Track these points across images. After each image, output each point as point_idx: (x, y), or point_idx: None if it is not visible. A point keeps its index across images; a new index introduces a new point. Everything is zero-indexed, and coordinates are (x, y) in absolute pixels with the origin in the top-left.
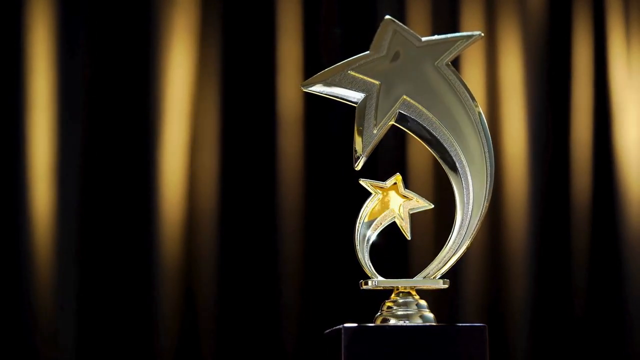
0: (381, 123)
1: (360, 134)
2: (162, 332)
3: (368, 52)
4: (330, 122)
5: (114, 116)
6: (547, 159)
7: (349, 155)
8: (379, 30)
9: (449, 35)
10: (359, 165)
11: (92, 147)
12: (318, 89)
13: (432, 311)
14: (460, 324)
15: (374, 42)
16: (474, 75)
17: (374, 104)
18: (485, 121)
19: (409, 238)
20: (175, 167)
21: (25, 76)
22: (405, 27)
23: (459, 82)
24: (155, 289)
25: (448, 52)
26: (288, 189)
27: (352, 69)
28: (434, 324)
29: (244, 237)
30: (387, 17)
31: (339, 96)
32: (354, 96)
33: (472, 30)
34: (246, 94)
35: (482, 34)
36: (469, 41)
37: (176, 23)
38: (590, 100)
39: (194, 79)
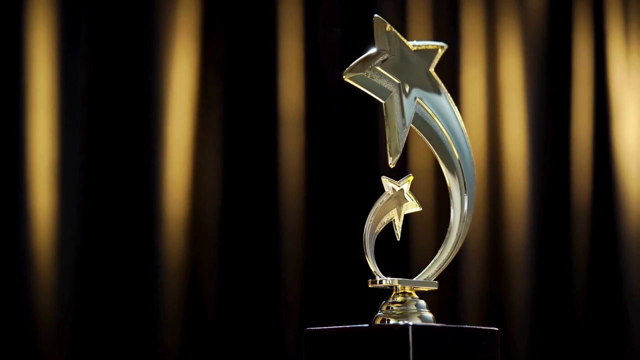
0: (407, 121)
1: (394, 131)
2: (164, 332)
3: (375, 49)
4: (332, 121)
5: (116, 115)
6: (547, 159)
7: (350, 154)
8: (375, 30)
9: (428, 43)
10: (393, 163)
11: (94, 147)
12: (355, 80)
13: (431, 311)
14: (476, 327)
15: (376, 41)
16: (474, 76)
17: (399, 103)
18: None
19: (398, 239)
20: (177, 167)
21: (26, 76)
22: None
23: (445, 89)
24: (157, 288)
25: (434, 58)
26: (290, 187)
27: (378, 65)
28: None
29: (246, 236)
30: (376, 15)
31: (371, 90)
32: (381, 92)
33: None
34: (248, 93)
35: (446, 46)
36: (443, 51)
37: (178, 23)
38: (590, 100)
39: (196, 79)
